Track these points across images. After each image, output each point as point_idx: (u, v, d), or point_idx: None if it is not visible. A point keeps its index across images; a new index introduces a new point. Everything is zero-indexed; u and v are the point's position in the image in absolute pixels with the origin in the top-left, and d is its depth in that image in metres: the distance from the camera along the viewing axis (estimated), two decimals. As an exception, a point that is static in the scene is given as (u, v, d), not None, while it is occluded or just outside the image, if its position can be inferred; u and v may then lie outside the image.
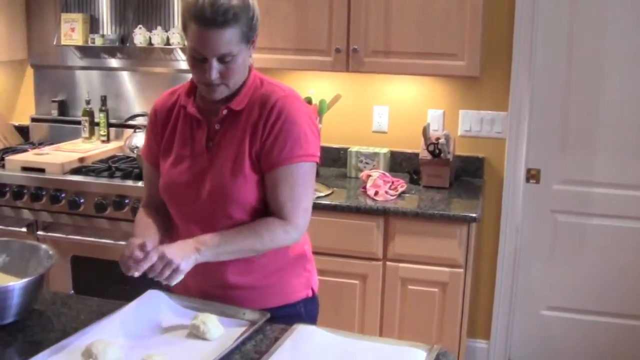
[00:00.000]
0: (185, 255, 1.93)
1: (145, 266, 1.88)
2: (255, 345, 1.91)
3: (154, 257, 1.89)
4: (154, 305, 2.09)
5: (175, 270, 1.91)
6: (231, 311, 2.06)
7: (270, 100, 2.08)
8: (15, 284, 1.96)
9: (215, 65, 1.98)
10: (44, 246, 2.23)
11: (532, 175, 4.01)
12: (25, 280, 1.98)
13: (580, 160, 3.95)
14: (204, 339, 1.92)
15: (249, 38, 2.02)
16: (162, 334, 1.96)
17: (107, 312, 2.04)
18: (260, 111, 2.08)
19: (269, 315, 2.04)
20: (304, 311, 2.27)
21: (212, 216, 2.12)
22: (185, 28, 2.01)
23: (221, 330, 1.95)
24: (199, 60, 2.00)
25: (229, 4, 1.93)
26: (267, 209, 2.12)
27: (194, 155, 2.14)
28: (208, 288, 2.17)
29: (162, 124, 2.22)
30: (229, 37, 1.95)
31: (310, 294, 2.31)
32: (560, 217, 4.04)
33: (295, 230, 2.09)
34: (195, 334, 1.94)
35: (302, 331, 1.96)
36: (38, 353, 1.77)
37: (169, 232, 2.25)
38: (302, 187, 2.09)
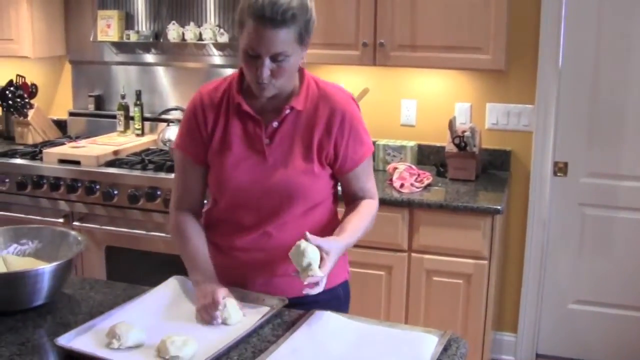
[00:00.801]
0: (333, 262, 2.04)
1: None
2: (273, 329, 1.98)
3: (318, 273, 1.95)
4: (177, 290, 2.17)
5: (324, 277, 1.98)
6: (251, 297, 2.12)
7: (338, 106, 2.17)
8: (45, 267, 2.04)
9: (268, 63, 2.00)
10: (73, 233, 2.32)
11: (560, 168, 4.02)
12: (54, 264, 2.06)
13: (607, 153, 3.95)
14: (225, 324, 1.99)
15: (303, 40, 2.05)
16: (184, 318, 2.03)
17: (132, 296, 2.13)
18: (329, 115, 2.16)
19: (287, 300, 2.10)
20: (343, 294, 2.37)
21: (270, 209, 2.19)
22: (242, 25, 2.03)
23: (240, 314, 2.02)
24: (252, 58, 2.02)
25: (289, 5, 1.95)
26: (322, 201, 2.27)
27: (253, 153, 2.18)
28: (251, 278, 2.24)
29: (212, 118, 2.21)
30: (284, 37, 1.97)
31: (347, 277, 2.41)
32: (588, 210, 4.05)
33: (378, 203, 2.36)
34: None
35: (318, 316, 2.02)
36: (65, 333, 1.86)
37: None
38: (372, 172, 2.35)
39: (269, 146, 2.16)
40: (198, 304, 2.05)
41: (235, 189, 2.20)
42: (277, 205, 2.18)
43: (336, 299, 2.30)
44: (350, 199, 2.32)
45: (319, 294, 2.02)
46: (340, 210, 2.35)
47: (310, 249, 1.93)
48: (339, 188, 2.34)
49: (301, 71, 2.20)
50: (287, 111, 2.15)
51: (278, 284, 2.20)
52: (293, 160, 2.15)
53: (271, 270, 2.21)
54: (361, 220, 2.23)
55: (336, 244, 2.05)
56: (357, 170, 2.25)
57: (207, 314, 2.00)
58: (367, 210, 2.27)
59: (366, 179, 2.30)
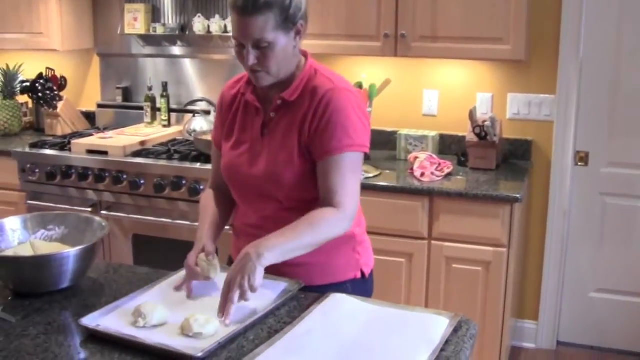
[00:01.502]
0: (249, 272, 1.94)
1: (231, 308, 1.93)
2: (289, 311, 2.03)
3: (234, 298, 1.93)
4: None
5: (250, 289, 1.94)
6: (269, 280, 2.18)
7: (320, 92, 2.15)
8: (70, 251, 2.12)
9: (252, 51, 2.06)
10: (97, 219, 2.39)
11: (581, 158, 4.04)
12: (79, 248, 2.13)
13: (628, 142, 3.97)
14: (208, 277, 2.13)
15: (287, 26, 2.07)
16: (206, 298, 2.09)
17: (155, 280, 2.20)
18: (309, 102, 2.16)
19: (303, 283, 2.16)
20: (351, 291, 2.23)
21: (264, 197, 2.23)
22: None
23: (218, 271, 2.15)
24: (240, 47, 2.10)
25: None
26: (315, 199, 2.19)
27: (251, 140, 2.25)
28: None
29: (227, 109, 2.34)
30: (261, 24, 2.02)
31: (359, 275, 2.36)
32: (609, 200, 4.06)
33: (346, 217, 2.12)
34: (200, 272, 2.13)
35: (333, 299, 2.07)
36: (90, 314, 1.93)
37: (231, 211, 2.42)
38: (352, 176, 2.14)
39: (265, 135, 2.22)
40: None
41: (232, 176, 2.30)
42: (266, 194, 2.22)
43: (342, 292, 2.21)
44: (320, 201, 2.16)
45: (325, 287, 2.17)
46: (363, 198, 2.34)
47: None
48: None
49: (305, 61, 2.23)
50: (278, 102, 2.19)
51: (283, 273, 2.20)
52: (277, 150, 2.19)
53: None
54: (296, 228, 2.07)
55: (234, 272, 1.97)
56: (324, 163, 2.13)
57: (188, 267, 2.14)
58: (311, 218, 2.08)
59: (336, 180, 2.11)
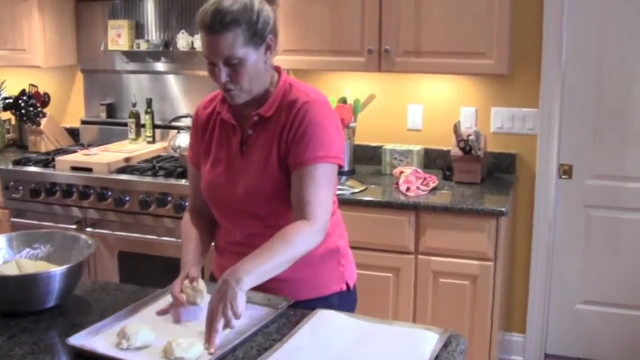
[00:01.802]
0: (230, 299, 1.90)
1: (215, 337, 1.89)
2: (278, 328, 2.03)
3: (218, 328, 1.89)
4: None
5: (234, 315, 1.91)
6: (257, 297, 2.16)
7: (296, 106, 2.16)
8: (57, 269, 2.10)
9: (223, 68, 2.07)
10: (83, 237, 2.37)
11: (565, 171, 4.06)
12: (65, 266, 2.12)
13: (612, 154, 3.99)
14: (194, 303, 2.11)
15: (256, 41, 2.09)
16: (193, 322, 2.06)
17: (142, 298, 2.18)
18: (286, 116, 2.17)
19: (292, 300, 2.15)
20: (337, 304, 2.28)
21: (245, 216, 2.24)
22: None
23: (205, 295, 2.12)
24: (212, 66, 2.11)
25: (228, 10, 2.03)
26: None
27: (229, 158, 2.25)
28: None
29: (202, 128, 2.34)
30: (230, 41, 2.04)
31: (344, 287, 2.37)
32: (594, 212, 4.08)
33: (318, 229, 2.10)
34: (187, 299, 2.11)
35: (322, 315, 2.07)
36: (77, 333, 1.92)
37: (213, 232, 2.40)
38: (325, 187, 2.14)
39: (244, 153, 2.23)
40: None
41: (213, 195, 2.30)
42: (249, 210, 2.22)
43: (328, 307, 2.21)
44: (293, 212, 2.14)
45: (312, 301, 2.18)
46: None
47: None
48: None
49: (278, 76, 2.25)
50: (255, 118, 2.20)
51: (269, 289, 2.16)
52: (258, 166, 2.19)
53: None
54: (270, 248, 2.02)
55: (216, 302, 1.93)
56: (298, 174, 2.13)
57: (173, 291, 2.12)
58: (284, 235, 2.06)
59: (309, 190, 2.10)
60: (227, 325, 1.90)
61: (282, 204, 2.18)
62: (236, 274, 1.94)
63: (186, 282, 2.14)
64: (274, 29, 2.15)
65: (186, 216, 2.42)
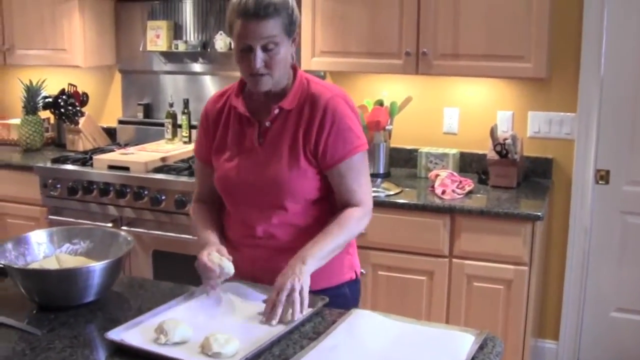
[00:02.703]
0: (298, 275, 2.10)
1: (279, 309, 2.04)
2: (314, 327, 2.04)
3: (282, 298, 2.05)
4: (222, 290, 2.24)
5: (301, 292, 2.07)
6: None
7: (321, 102, 2.26)
8: (96, 265, 2.14)
9: (260, 54, 2.15)
10: (122, 233, 2.41)
11: (602, 176, 4.02)
12: (105, 262, 2.15)
13: (650, 161, 3.95)
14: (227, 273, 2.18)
15: (290, 32, 2.20)
16: (230, 318, 2.08)
17: (178, 295, 2.20)
18: (311, 112, 2.26)
19: (327, 300, 2.17)
20: (349, 292, 2.43)
21: (269, 206, 2.29)
22: (231, 28, 2.20)
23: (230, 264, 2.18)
24: (245, 52, 2.17)
25: (270, 1, 2.13)
26: (319, 200, 2.31)
27: (246, 151, 2.31)
28: (258, 274, 2.31)
29: (214, 124, 2.39)
30: (271, 26, 2.14)
31: (353, 276, 2.46)
32: (630, 218, 4.04)
33: (368, 212, 2.32)
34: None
35: (358, 315, 2.08)
36: (115, 328, 1.94)
37: (222, 226, 2.46)
38: (364, 173, 2.33)
39: (261, 145, 2.29)
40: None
41: (231, 188, 2.35)
42: (270, 203, 2.29)
43: (341, 296, 2.36)
44: (338, 203, 2.32)
45: (325, 291, 2.23)
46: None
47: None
48: None
49: (295, 71, 2.33)
50: (276, 111, 2.27)
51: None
52: (281, 157, 2.26)
53: (276, 267, 2.21)
54: (331, 233, 2.23)
55: (284, 278, 2.11)
56: (339, 168, 2.27)
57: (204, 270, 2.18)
58: (342, 220, 2.25)
59: (352, 180, 2.29)
60: (291, 295, 2.04)
61: (304, 192, 2.28)
62: (302, 258, 2.14)
63: (214, 253, 2.20)
64: (299, 25, 2.27)
65: (196, 205, 2.51)
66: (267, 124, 2.28)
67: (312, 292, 2.15)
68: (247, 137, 2.31)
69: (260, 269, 2.32)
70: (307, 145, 2.25)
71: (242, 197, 2.33)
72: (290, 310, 2.03)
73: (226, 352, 1.82)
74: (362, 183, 2.31)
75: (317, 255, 2.16)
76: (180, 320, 1.97)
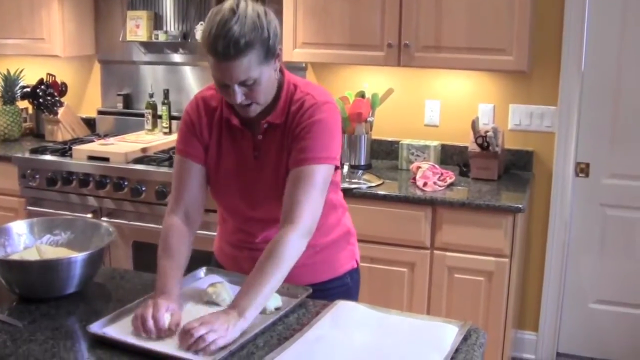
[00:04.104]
0: (230, 324, 1.84)
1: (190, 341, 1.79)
2: (298, 318, 2.03)
3: (198, 328, 1.80)
4: (204, 281, 2.23)
5: (221, 338, 1.81)
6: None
7: (303, 108, 2.15)
8: (78, 256, 2.11)
9: (238, 90, 2.03)
10: (104, 224, 2.39)
11: (582, 169, 4.05)
12: (86, 253, 2.13)
13: (629, 154, 3.97)
14: (216, 304, 2.07)
15: (269, 57, 2.04)
16: (213, 308, 2.06)
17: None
18: (293, 118, 2.16)
19: (310, 290, 2.16)
20: (351, 281, 2.43)
21: (266, 217, 2.25)
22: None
23: (231, 297, 2.03)
24: (224, 86, 2.05)
25: (240, 33, 1.94)
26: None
27: (243, 165, 2.24)
28: None
29: (207, 126, 2.25)
30: (246, 65, 1.98)
31: (355, 265, 2.46)
32: (610, 211, 4.07)
33: (306, 233, 2.07)
34: (209, 300, 2.09)
35: (342, 306, 2.08)
36: (97, 321, 1.93)
37: (189, 254, 2.21)
38: (319, 189, 2.11)
39: (256, 158, 2.21)
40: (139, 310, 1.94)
41: (230, 199, 2.29)
42: (269, 213, 2.22)
43: (344, 286, 2.38)
44: (282, 211, 2.10)
45: (328, 282, 2.20)
46: (354, 207, 2.38)
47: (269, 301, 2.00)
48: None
49: (282, 77, 2.20)
50: (265, 126, 2.18)
51: (290, 275, 2.07)
52: (277, 168, 2.18)
53: None
54: (267, 274, 1.96)
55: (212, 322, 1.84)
56: (298, 171, 2.10)
57: (138, 322, 1.89)
58: (278, 252, 1.99)
59: (302, 191, 2.07)
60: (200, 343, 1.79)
61: None
62: (239, 308, 1.88)
63: (214, 287, 2.12)
64: (281, 37, 2.11)
65: (171, 222, 2.22)
66: (259, 137, 2.20)
67: (313, 285, 2.16)
68: (243, 149, 2.23)
69: None
70: (287, 151, 2.16)
71: (241, 208, 2.28)
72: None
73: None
74: (311, 198, 2.08)
75: (256, 304, 1.91)
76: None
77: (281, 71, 2.20)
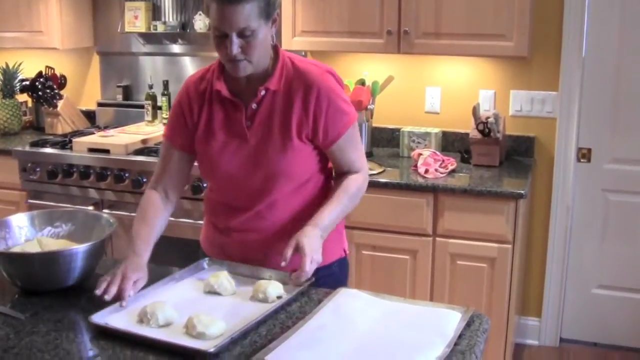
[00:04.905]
0: (319, 245, 2.14)
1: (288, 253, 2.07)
2: (301, 307, 2.03)
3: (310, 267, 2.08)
4: (207, 272, 2.23)
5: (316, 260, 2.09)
6: (279, 275, 2.16)
7: (312, 82, 2.21)
8: (79, 247, 2.11)
9: (236, 40, 2.08)
10: (105, 215, 2.38)
11: (583, 155, 4.04)
12: (87, 244, 2.12)
13: (631, 139, 3.96)
14: (218, 293, 2.09)
15: (268, 14, 2.11)
16: (216, 298, 2.07)
17: (162, 276, 2.17)
18: (304, 93, 2.21)
19: (313, 279, 2.14)
20: (338, 270, 2.43)
21: (257, 190, 2.27)
22: (208, 9, 2.11)
23: (233, 286, 2.11)
24: (221, 38, 2.10)
25: None
26: (311, 177, 2.31)
27: (235, 135, 2.26)
28: (250, 256, 2.29)
29: (198, 108, 2.30)
30: (247, 12, 2.05)
31: (342, 254, 2.47)
32: (611, 196, 4.06)
33: (367, 176, 2.40)
34: (211, 290, 2.10)
35: (344, 294, 2.07)
36: (99, 311, 1.92)
37: (164, 227, 2.38)
38: (358, 140, 2.36)
39: (250, 128, 2.24)
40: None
41: (223, 174, 2.30)
42: (263, 185, 2.26)
43: (331, 275, 2.36)
44: (337, 173, 2.37)
45: (316, 271, 2.15)
46: (366, 195, 2.40)
47: (270, 289, 2.05)
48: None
49: (276, 50, 2.28)
50: (262, 92, 2.22)
51: (274, 263, 2.20)
52: (273, 139, 2.22)
53: (266, 249, 2.27)
54: (339, 199, 2.27)
55: (308, 239, 2.11)
56: (340, 141, 2.27)
57: (104, 283, 2.02)
58: (347, 187, 2.30)
59: (351, 150, 2.32)
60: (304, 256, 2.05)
61: (299, 171, 2.28)
62: (314, 224, 2.16)
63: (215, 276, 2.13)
64: (279, 5, 2.20)
65: (151, 195, 2.38)
66: (254, 106, 2.23)
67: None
68: (235, 121, 2.25)
69: (251, 251, 2.31)
70: (302, 126, 2.21)
71: (231, 182, 2.30)
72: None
73: (211, 333, 1.80)
74: (358, 151, 2.35)
75: (328, 225, 2.21)
76: (164, 302, 1.95)
77: (276, 48, 2.28)
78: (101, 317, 1.89)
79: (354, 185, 2.31)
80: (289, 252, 2.06)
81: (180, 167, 2.37)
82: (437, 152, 3.85)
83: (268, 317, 1.93)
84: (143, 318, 1.89)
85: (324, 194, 2.34)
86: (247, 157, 2.25)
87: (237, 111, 2.25)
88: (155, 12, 4.61)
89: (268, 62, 2.24)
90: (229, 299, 2.06)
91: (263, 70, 2.22)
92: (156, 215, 2.33)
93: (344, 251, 2.49)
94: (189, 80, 2.37)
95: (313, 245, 2.09)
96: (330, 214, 2.23)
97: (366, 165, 2.40)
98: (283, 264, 2.05)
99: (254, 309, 1.97)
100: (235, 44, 2.08)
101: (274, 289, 2.05)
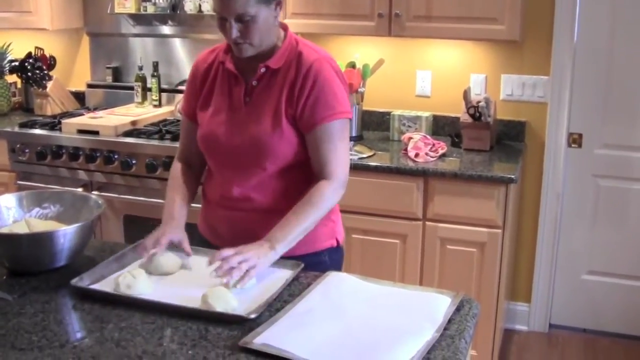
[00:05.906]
0: (262, 255, 2.04)
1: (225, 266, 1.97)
2: (289, 290, 2.02)
3: (233, 257, 1.99)
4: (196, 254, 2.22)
5: (252, 268, 1.99)
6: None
7: (306, 64, 2.21)
8: (67, 228, 2.09)
9: (235, 24, 2.11)
10: (93, 197, 2.37)
11: (574, 140, 4.04)
12: (75, 225, 2.11)
13: (622, 124, 3.96)
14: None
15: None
16: (190, 273, 2.13)
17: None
18: (296, 73, 2.21)
19: (302, 265, 2.14)
20: (329, 259, 2.38)
21: (248, 166, 2.26)
22: None
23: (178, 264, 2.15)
24: (223, 21, 2.14)
25: None
26: (298, 164, 2.27)
27: (232, 108, 2.28)
28: (236, 235, 2.25)
29: (201, 79, 2.36)
30: None
31: (335, 243, 2.42)
32: (602, 182, 4.06)
33: (340, 186, 2.24)
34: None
35: (333, 277, 2.07)
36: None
37: (196, 189, 2.46)
38: (341, 142, 2.24)
39: (247, 104, 2.26)
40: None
41: (212, 145, 2.32)
42: (250, 163, 2.26)
43: (321, 264, 2.30)
44: (313, 170, 2.26)
45: (304, 257, 2.19)
46: (357, 178, 2.38)
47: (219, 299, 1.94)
48: None
49: (285, 31, 2.29)
50: (262, 70, 2.23)
51: None
52: (264, 117, 2.22)
53: (252, 231, 2.20)
54: (302, 215, 2.16)
55: (253, 246, 2.06)
56: (319, 130, 2.20)
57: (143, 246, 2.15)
58: (310, 197, 2.19)
59: (329, 148, 2.21)
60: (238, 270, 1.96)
61: (285, 154, 2.24)
62: (270, 242, 2.08)
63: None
64: None
65: (177, 165, 2.47)
66: (254, 82, 2.25)
67: (288, 259, 2.14)
68: (234, 95, 2.28)
69: (237, 230, 2.30)
70: (289, 106, 2.21)
71: (222, 155, 2.31)
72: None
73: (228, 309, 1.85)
74: (338, 153, 2.22)
75: (287, 240, 2.11)
76: (141, 271, 2.03)
77: (285, 28, 2.30)
78: (82, 282, 1.98)
79: (320, 196, 2.19)
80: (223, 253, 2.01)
81: (194, 136, 2.39)
82: (428, 136, 3.84)
83: (269, 300, 1.92)
84: (119, 284, 1.96)
85: (310, 183, 2.30)
86: (237, 131, 2.25)
87: (237, 85, 2.27)
88: (146, -8, 4.58)
89: (274, 42, 2.24)
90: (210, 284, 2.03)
91: (269, 49, 2.24)
92: (186, 179, 2.41)
93: (337, 241, 2.43)
94: (201, 54, 2.42)
95: (255, 250, 2.03)
96: (292, 231, 2.13)
97: (343, 174, 2.25)
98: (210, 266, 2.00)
99: (249, 294, 1.96)
100: (234, 28, 2.12)
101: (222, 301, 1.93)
